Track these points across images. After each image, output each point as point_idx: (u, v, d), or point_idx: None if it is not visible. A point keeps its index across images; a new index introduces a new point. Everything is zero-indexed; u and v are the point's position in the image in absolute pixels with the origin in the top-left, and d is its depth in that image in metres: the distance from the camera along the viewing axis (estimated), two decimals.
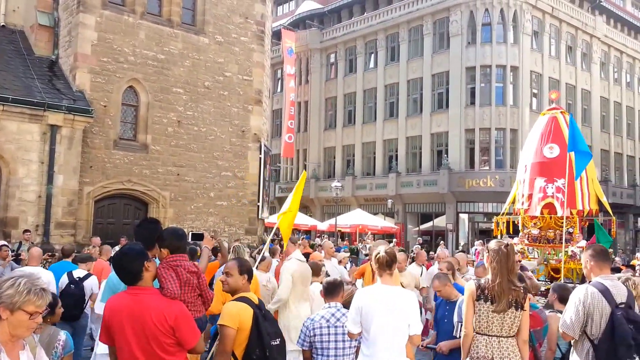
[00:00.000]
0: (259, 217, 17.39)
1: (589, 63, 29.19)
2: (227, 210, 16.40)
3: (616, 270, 6.82)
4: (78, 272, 6.13)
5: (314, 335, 3.72)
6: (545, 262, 8.27)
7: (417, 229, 27.54)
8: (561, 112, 8.93)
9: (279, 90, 34.25)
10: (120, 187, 14.28)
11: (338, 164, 30.59)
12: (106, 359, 4.19)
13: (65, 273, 6.12)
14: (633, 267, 9.75)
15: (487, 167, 24.70)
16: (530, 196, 8.53)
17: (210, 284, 5.53)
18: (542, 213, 8.38)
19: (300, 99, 32.18)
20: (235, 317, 3.11)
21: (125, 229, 13.74)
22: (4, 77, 13.03)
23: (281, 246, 7.92)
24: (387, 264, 3.44)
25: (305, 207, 28.80)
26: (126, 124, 14.79)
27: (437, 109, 26.33)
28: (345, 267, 8.92)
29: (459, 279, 6.09)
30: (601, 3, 31.65)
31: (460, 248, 20.33)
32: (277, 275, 6.48)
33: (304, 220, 23.57)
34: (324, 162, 31.63)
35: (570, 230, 8.32)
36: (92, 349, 5.83)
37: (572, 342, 3.56)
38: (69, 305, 5.50)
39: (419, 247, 14.67)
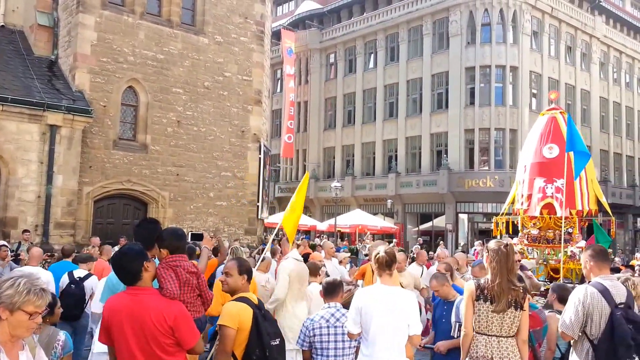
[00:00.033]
0: (259, 217, 17.39)
1: (588, 63, 29.21)
2: (226, 211, 16.40)
3: (615, 270, 6.82)
4: (79, 272, 6.14)
5: (314, 336, 3.72)
6: (545, 263, 8.28)
7: (417, 229, 27.54)
8: (560, 112, 8.93)
9: (278, 90, 34.25)
10: (119, 187, 14.27)
11: (337, 164, 30.59)
12: (103, 358, 4.20)
13: (66, 273, 6.13)
14: (632, 267, 9.76)
15: (487, 168, 24.71)
16: (529, 196, 8.53)
17: (210, 283, 5.53)
18: (541, 213, 8.38)
19: (300, 99, 32.18)
20: (235, 317, 3.11)
21: (124, 229, 13.74)
22: (3, 77, 13.02)
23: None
24: (387, 264, 3.44)
25: (304, 207, 28.71)
26: (126, 124, 14.79)
27: (437, 109, 26.34)
28: (345, 268, 8.91)
29: (458, 279, 6.10)
30: (600, 3, 31.67)
31: (460, 248, 20.35)
32: (276, 275, 6.48)
33: (304, 221, 23.52)
34: (323, 162, 31.63)
35: (570, 230, 8.33)
36: None
37: (571, 342, 3.56)
38: (70, 305, 5.50)
39: (419, 247, 14.68)
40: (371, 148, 29.18)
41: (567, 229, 8.20)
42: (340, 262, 8.85)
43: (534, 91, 25.97)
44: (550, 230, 8.45)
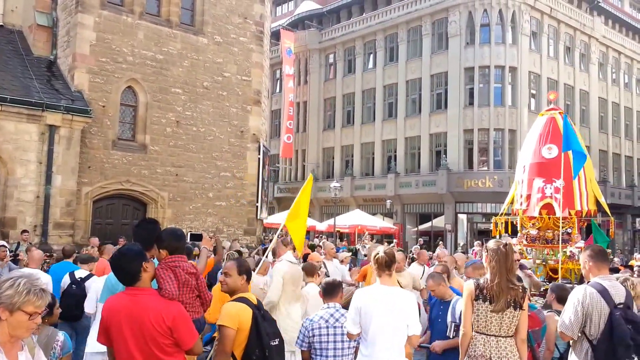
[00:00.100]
0: (258, 217, 17.39)
1: (587, 64, 29.25)
2: (225, 211, 16.39)
3: (614, 270, 6.83)
4: (80, 273, 6.15)
5: (313, 336, 3.72)
6: (544, 263, 8.28)
7: (416, 229, 27.56)
8: (559, 112, 8.94)
9: (277, 90, 34.24)
10: (118, 187, 14.26)
11: (337, 164, 30.59)
12: (97, 358, 4.20)
13: (67, 273, 6.15)
14: (631, 268, 9.77)
15: (486, 168, 24.73)
16: (528, 197, 8.53)
17: (209, 284, 5.52)
18: (540, 213, 8.39)
19: (299, 99, 32.18)
20: (235, 317, 3.11)
21: (123, 230, 13.73)
22: (2, 77, 13.01)
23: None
24: (387, 265, 3.44)
25: None
26: (125, 124, 14.78)
27: (436, 109, 26.35)
28: (346, 266, 8.92)
29: (456, 278, 6.10)
30: (599, 4, 31.71)
31: (459, 249, 20.35)
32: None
33: None
34: (322, 162, 31.63)
35: (569, 230, 8.33)
36: None
37: (570, 342, 3.57)
38: (70, 306, 5.50)
39: (419, 247, 14.67)
40: (370, 148, 29.19)
41: (566, 229, 8.20)
42: (341, 262, 8.86)
43: (533, 91, 26.00)
44: (549, 231, 8.45)
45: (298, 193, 6.15)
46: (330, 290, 3.95)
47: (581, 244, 8.18)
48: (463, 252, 13.19)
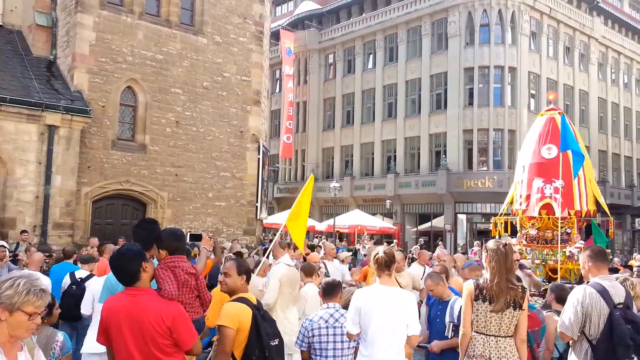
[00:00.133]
0: (258, 217, 17.38)
1: (586, 64, 29.26)
2: (225, 211, 16.39)
3: (614, 270, 6.84)
4: (80, 273, 6.17)
5: (313, 336, 3.72)
6: (543, 263, 8.29)
7: (416, 229, 27.56)
8: (559, 112, 8.94)
9: (277, 90, 34.25)
10: (118, 187, 14.26)
11: (336, 164, 30.59)
12: (93, 359, 4.21)
13: (68, 274, 6.18)
14: (631, 268, 9.77)
15: (485, 168, 24.73)
16: (528, 197, 8.53)
17: (209, 285, 5.52)
18: (540, 214, 8.39)
19: (299, 99, 32.18)
20: (235, 317, 3.11)
21: (123, 230, 13.71)
22: (1, 77, 13.00)
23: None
24: (386, 265, 3.44)
25: None
26: (124, 124, 14.77)
27: (436, 109, 26.36)
28: (346, 266, 8.92)
29: (455, 277, 6.11)
30: (599, 4, 31.73)
31: (459, 249, 20.36)
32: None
33: None
34: (322, 162, 31.63)
35: (569, 230, 8.34)
36: None
37: (570, 342, 3.57)
38: (71, 306, 5.51)
39: (419, 247, 14.66)
40: (370, 148, 29.19)
41: (565, 229, 8.21)
42: (342, 261, 8.86)
43: (533, 92, 26.01)
44: (548, 231, 8.45)
45: (297, 193, 6.12)
46: (330, 291, 3.95)
47: (581, 244, 8.18)
48: (463, 253, 13.21)
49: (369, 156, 29.33)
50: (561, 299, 4.23)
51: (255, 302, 3.29)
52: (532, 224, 8.57)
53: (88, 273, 6.21)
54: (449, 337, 4.37)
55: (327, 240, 16.54)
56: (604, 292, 3.37)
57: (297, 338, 3.82)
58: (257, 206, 17.15)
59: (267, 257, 6.50)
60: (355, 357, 3.66)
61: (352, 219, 22.66)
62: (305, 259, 7.65)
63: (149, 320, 2.82)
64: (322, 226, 23.76)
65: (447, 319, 4.45)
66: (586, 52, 29.27)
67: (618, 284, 3.52)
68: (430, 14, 26.69)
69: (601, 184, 23.21)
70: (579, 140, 8.18)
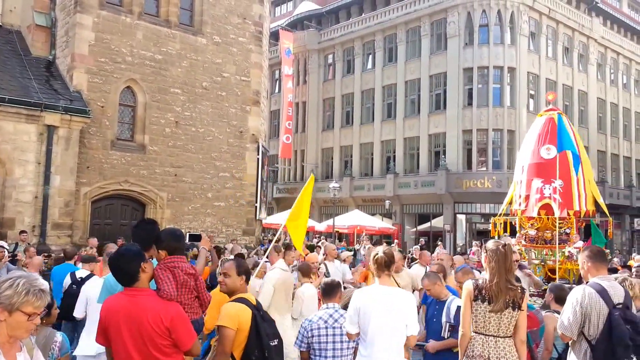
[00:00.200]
0: (257, 217, 17.38)
1: (585, 64, 29.29)
2: (224, 211, 16.38)
3: (613, 270, 6.84)
4: (80, 273, 6.18)
5: (312, 337, 3.72)
6: (543, 263, 8.29)
7: (415, 229, 27.57)
8: (558, 113, 8.94)
9: (276, 91, 34.25)
10: (117, 187, 14.25)
11: (336, 164, 30.59)
12: None
13: (68, 274, 6.20)
14: (630, 268, 9.77)
15: (485, 168, 24.74)
16: (527, 197, 8.54)
17: (210, 286, 5.52)
18: (539, 214, 8.39)
19: (298, 99, 32.18)
20: (235, 317, 3.11)
21: (122, 230, 13.71)
22: (0, 77, 12.99)
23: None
24: (386, 265, 3.44)
25: None
26: (123, 125, 14.76)
27: (435, 109, 26.37)
28: (347, 265, 8.93)
29: (452, 277, 6.11)
30: (598, 4, 31.76)
31: (459, 249, 20.36)
32: None
33: None
34: (321, 162, 31.63)
35: (568, 231, 8.34)
36: None
37: (569, 342, 3.57)
38: (72, 306, 5.50)
39: (419, 247, 14.66)
40: (369, 149, 29.19)
41: (564, 229, 8.21)
42: (344, 261, 8.86)
43: (532, 92, 26.03)
44: (548, 231, 8.45)
45: (297, 193, 6.10)
46: (329, 291, 3.95)
47: (580, 244, 8.19)
48: (462, 253, 13.21)
49: (368, 156, 29.34)
50: (560, 299, 4.24)
51: (254, 303, 3.28)
52: (532, 224, 8.57)
53: (88, 273, 6.22)
54: (446, 337, 4.37)
55: (327, 240, 16.54)
56: (603, 293, 3.37)
57: (297, 338, 3.82)
58: (256, 206, 17.14)
59: (267, 257, 6.49)
60: (354, 358, 3.66)
61: (352, 219, 22.67)
62: (305, 259, 7.63)
63: (148, 320, 2.82)
64: (321, 226, 23.76)
65: (443, 319, 4.45)
66: (585, 52, 29.30)
67: (617, 284, 3.52)
68: (429, 15, 26.70)
69: (600, 185, 23.24)
70: (577, 141, 8.19)
